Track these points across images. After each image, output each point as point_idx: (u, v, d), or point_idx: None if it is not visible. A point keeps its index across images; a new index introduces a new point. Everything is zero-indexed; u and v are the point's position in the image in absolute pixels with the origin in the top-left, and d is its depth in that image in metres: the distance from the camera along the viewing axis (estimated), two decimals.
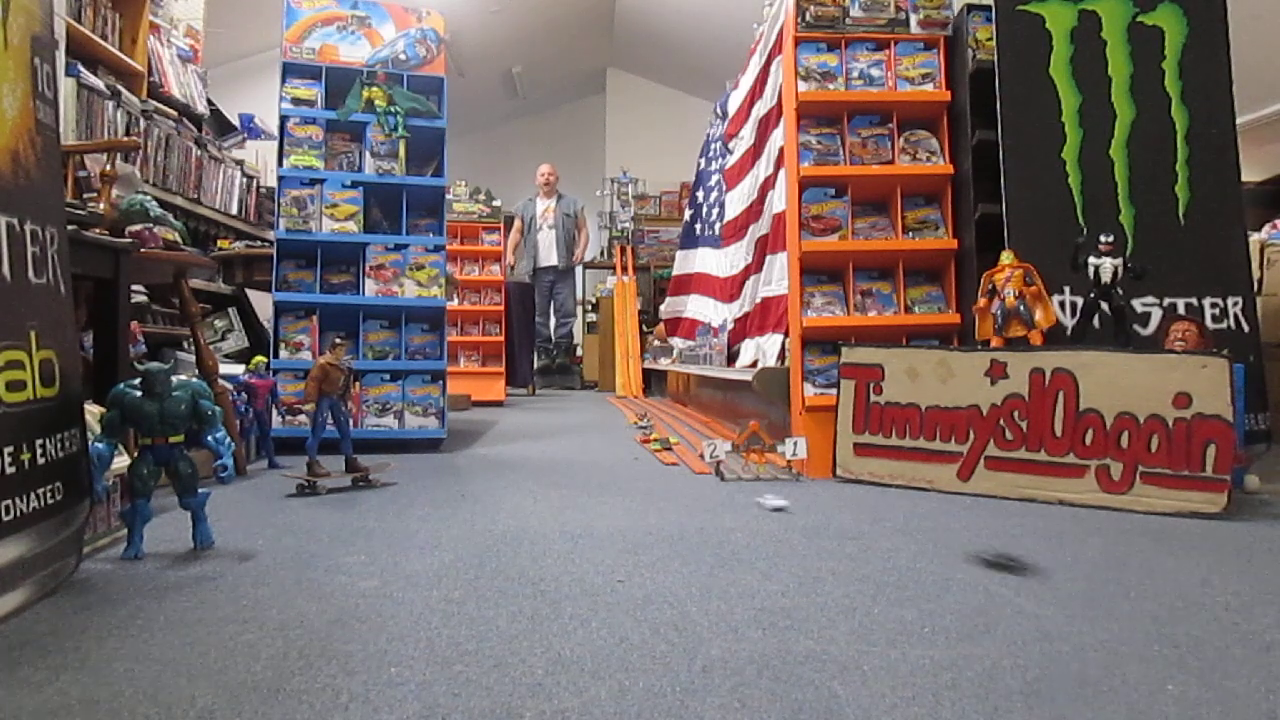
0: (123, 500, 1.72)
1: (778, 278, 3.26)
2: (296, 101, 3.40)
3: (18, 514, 1.29)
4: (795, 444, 2.57)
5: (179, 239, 2.54)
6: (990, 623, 1.27)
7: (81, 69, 3.19)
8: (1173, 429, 2.11)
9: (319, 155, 3.37)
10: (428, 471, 2.75)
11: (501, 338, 6.12)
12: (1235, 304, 2.58)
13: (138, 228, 2.34)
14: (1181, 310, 2.57)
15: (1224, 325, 2.56)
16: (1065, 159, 2.68)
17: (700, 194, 5.54)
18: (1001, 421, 2.32)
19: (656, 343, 6.06)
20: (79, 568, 1.49)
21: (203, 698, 0.98)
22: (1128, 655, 1.14)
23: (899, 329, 2.85)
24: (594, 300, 8.41)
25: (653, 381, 6.83)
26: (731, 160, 4.67)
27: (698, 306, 5.28)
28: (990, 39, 2.78)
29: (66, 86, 3.05)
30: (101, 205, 2.45)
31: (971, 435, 2.35)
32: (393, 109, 3.41)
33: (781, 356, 3.06)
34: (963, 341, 2.78)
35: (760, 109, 3.85)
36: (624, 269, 7.80)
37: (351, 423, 2.55)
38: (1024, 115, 2.70)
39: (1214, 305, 2.58)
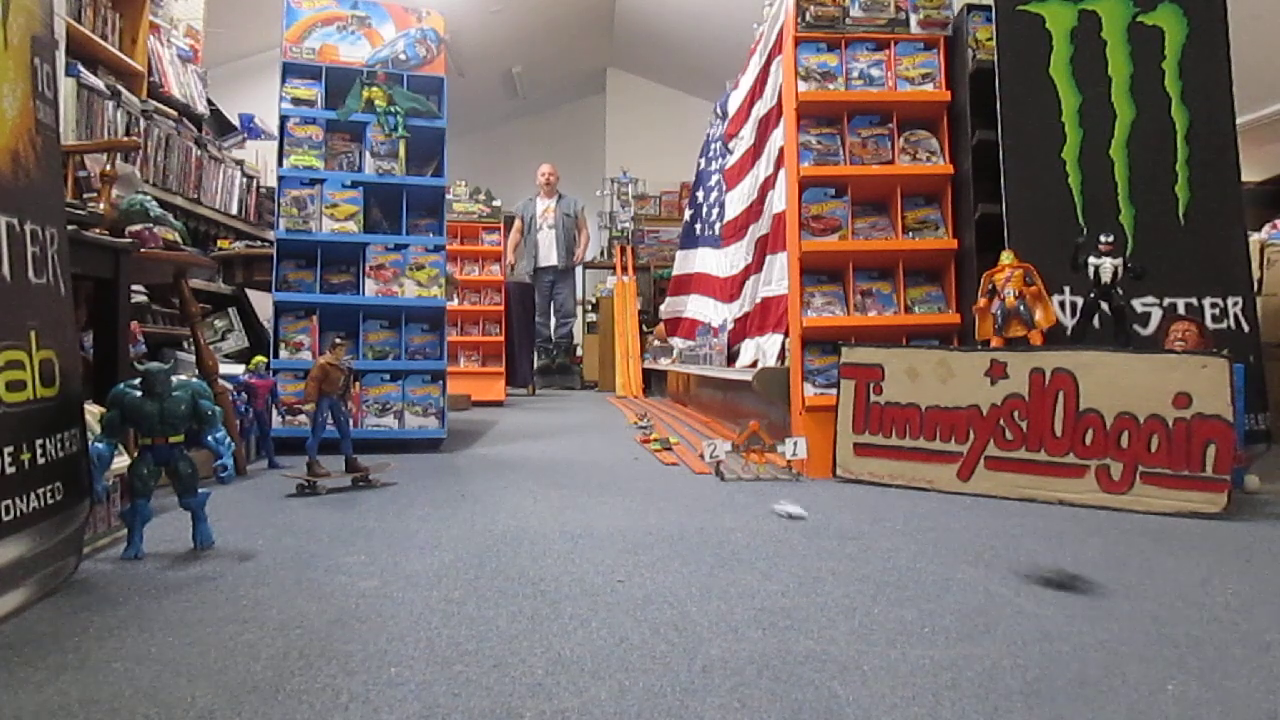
0: (123, 500, 1.72)
1: (778, 278, 3.26)
2: (296, 101, 3.40)
3: (18, 514, 1.29)
4: (795, 444, 2.57)
5: (179, 239, 2.54)
6: (990, 623, 1.27)
7: (81, 69, 3.19)
8: (1173, 429, 2.11)
9: (319, 155, 3.37)
10: (428, 471, 2.75)
11: (501, 338, 6.12)
12: (1235, 304, 2.58)
13: (138, 228, 2.34)
14: (1181, 310, 2.57)
15: (1224, 325, 2.56)
16: (1065, 159, 2.68)
17: (700, 194, 5.54)
18: (1001, 421, 2.32)
19: (656, 343, 6.06)
20: (79, 568, 1.49)
21: (203, 698, 0.98)
22: (1128, 655, 1.14)
23: (899, 329, 2.85)
24: (594, 300, 8.41)
25: (653, 381, 6.83)
26: (731, 160, 4.67)
27: (698, 306, 5.28)
28: (990, 39, 2.78)
29: (66, 86, 3.04)
30: (101, 205, 2.45)
31: (971, 435, 2.35)
32: (393, 109, 3.41)
33: (781, 356, 3.06)
34: (963, 341, 2.78)
35: (760, 109, 3.85)
36: (624, 269, 7.79)
37: (351, 423, 2.55)
38: (1024, 115, 2.70)
39: (1214, 305, 2.58)
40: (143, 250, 2.30)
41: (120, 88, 3.44)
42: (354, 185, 3.35)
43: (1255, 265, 3.56)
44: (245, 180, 4.60)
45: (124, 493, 1.73)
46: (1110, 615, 1.31)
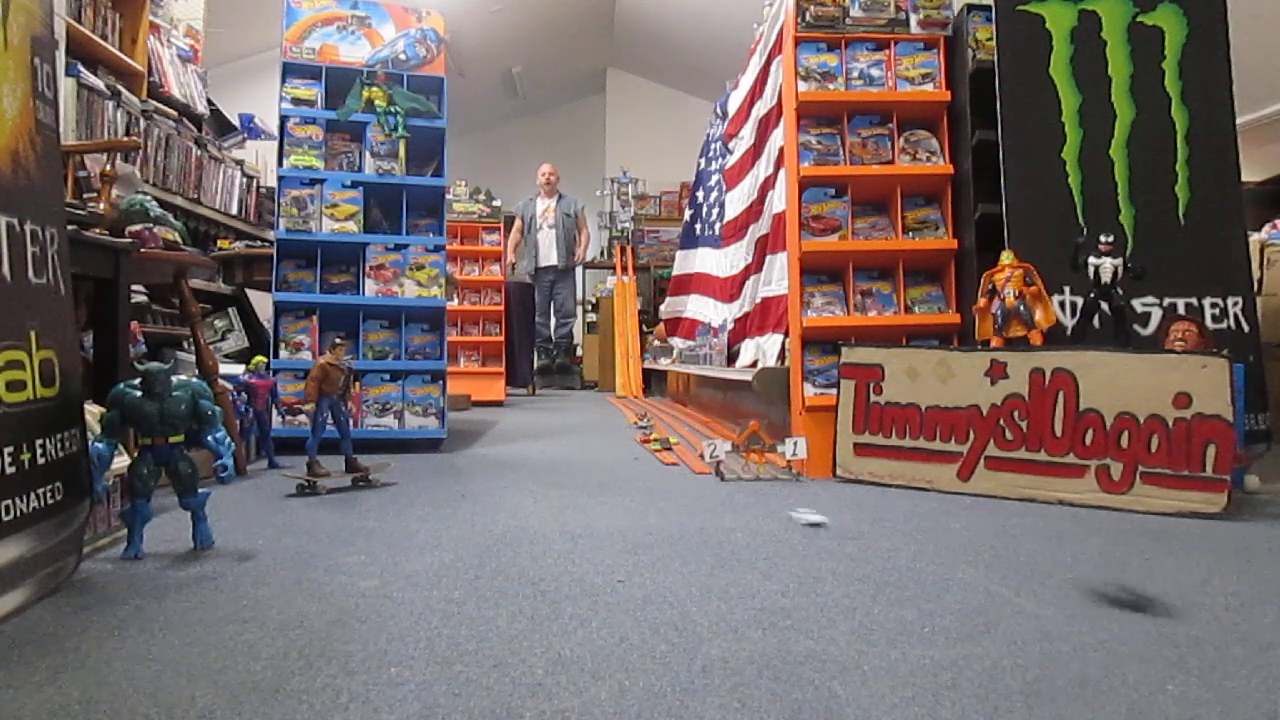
0: (123, 500, 1.72)
1: (778, 278, 3.26)
2: (296, 101, 3.40)
3: (18, 514, 1.29)
4: (795, 444, 2.57)
5: (179, 239, 2.54)
6: (990, 623, 1.27)
7: (81, 69, 3.19)
8: (1173, 429, 2.11)
9: (319, 155, 3.37)
10: (428, 471, 2.75)
11: (501, 338, 6.12)
12: (1235, 304, 2.58)
13: (138, 228, 2.34)
14: (1181, 310, 2.57)
15: (1224, 325, 2.56)
16: (1065, 159, 2.68)
17: (700, 194, 5.54)
18: (1001, 421, 2.32)
19: (656, 343, 6.06)
20: (79, 568, 1.49)
21: (203, 698, 0.98)
22: (1128, 655, 1.14)
23: (899, 329, 2.85)
24: (594, 300, 8.41)
25: (653, 381, 6.83)
26: (731, 160, 4.67)
27: (698, 306, 5.28)
28: (990, 39, 2.77)
29: (66, 86, 3.04)
30: (101, 205, 2.45)
31: (971, 435, 2.35)
32: (393, 109, 3.41)
33: (781, 356, 3.06)
34: (963, 341, 2.78)
35: (760, 109, 3.85)
36: (624, 269, 7.79)
37: (351, 423, 2.55)
38: (1024, 115, 2.70)
39: (1214, 305, 2.58)
40: (143, 250, 2.30)
41: (120, 88, 3.44)
42: (354, 185, 3.35)
43: (1255, 265, 3.56)
44: (245, 180, 4.60)
45: (124, 493, 1.73)
46: (1110, 615, 1.31)
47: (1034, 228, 2.64)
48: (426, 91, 3.51)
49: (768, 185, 3.57)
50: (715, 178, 5.14)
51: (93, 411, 1.71)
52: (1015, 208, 2.65)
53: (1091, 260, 2.48)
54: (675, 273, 6.09)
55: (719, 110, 5.17)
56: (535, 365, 7.10)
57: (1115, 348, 2.34)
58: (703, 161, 5.57)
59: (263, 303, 3.99)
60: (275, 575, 1.50)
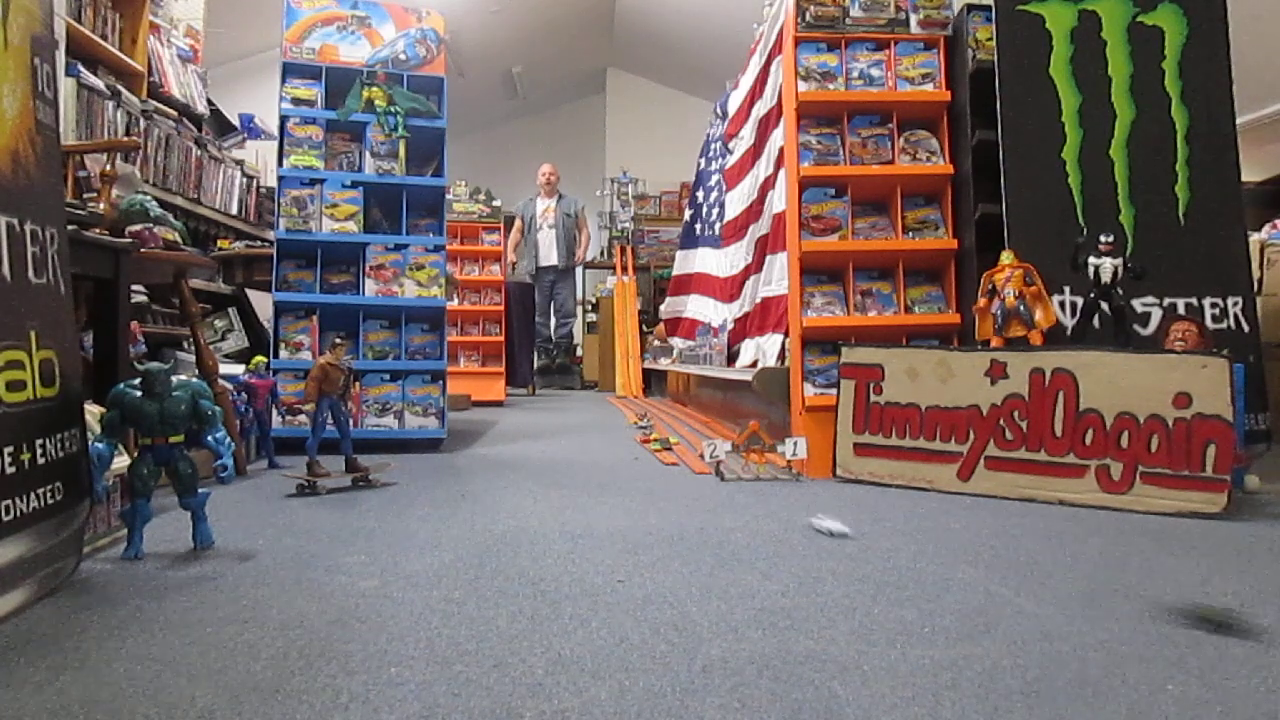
0: (123, 500, 1.72)
1: (778, 278, 3.26)
2: (296, 101, 3.40)
3: (18, 514, 1.29)
4: (795, 444, 2.57)
5: (179, 239, 2.54)
6: (990, 623, 1.27)
7: (81, 69, 3.19)
8: (1173, 429, 2.11)
9: (319, 155, 3.37)
10: (428, 471, 2.75)
11: (501, 338, 6.12)
12: (1235, 304, 2.58)
13: (138, 228, 2.34)
14: (1181, 310, 2.57)
15: (1224, 325, 2.56)
16: (1065, 159, 2.67)
17: (700, 194, 5.54)
18: (1001, 421, 2.32)
19: (656, 343, 6.06)
20: (79, 568, 1.49)
21: (203, 698, 0.98)
22: (1128, 655, 1.14)
23: (899, 329, 2.85)
24: (594, 300, 8.41)
25: (653, 381, 6.83)
26: (731, 160, 4.67)
27: (698, 306, 5.28)
28: (990, 39, 2.77)
29: (66, 86, 3.04)
30: (101, 205, 2.45)
31: (971, 435, 2.35)
32: (393, 109, 3.41)
33: (781, 356, 3.06)
34: (963, 341, 2.78)
35: (760, 109, 3.85)
36: (624, 269, 7.79)
37: (351, 423, 2.55)
38: (1024, 115, 2.70)
39: (1214, 305, 2.58)
40: (143, 250, 2.30)
41: (120, 88, 3.44)
42: (354, 185, 3.35)
43: (1255, 265, 3.56)
44: (245, 180, 4.60)
45: (124, 493, 1.73)
46: (1110, 615, 1.31)
47: (1034, 228, 2.64)
48: (426, 91, 3.51)
49: (768, 185, 3.57)
50: (715, 178, 5.14)
51: (93, 411, 1.71)
52: (1015, 208, 2.65)
53: (1091, 260, 2.48)
54: (675, 273, 6.09)
55: (719, 110, 5.17)
56: (535, 365, 7.10)
57: (1115, 348, 2.34)
58: (703, 161, 5.57)
59: (263, 303, 3.99)
60: (275, 575, 1.50)
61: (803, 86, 2.87)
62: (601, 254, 8.54)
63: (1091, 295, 2.51)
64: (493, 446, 3.47)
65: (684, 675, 1.06)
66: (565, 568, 1.57)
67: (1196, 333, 2.39)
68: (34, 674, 1.05)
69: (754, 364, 3.41)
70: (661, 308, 6.31)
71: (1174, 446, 2.11)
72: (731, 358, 4.02)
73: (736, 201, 4.48)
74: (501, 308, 6.19)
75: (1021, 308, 2.48)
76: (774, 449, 2.64)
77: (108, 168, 2.56)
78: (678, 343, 5.54)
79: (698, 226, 5.51)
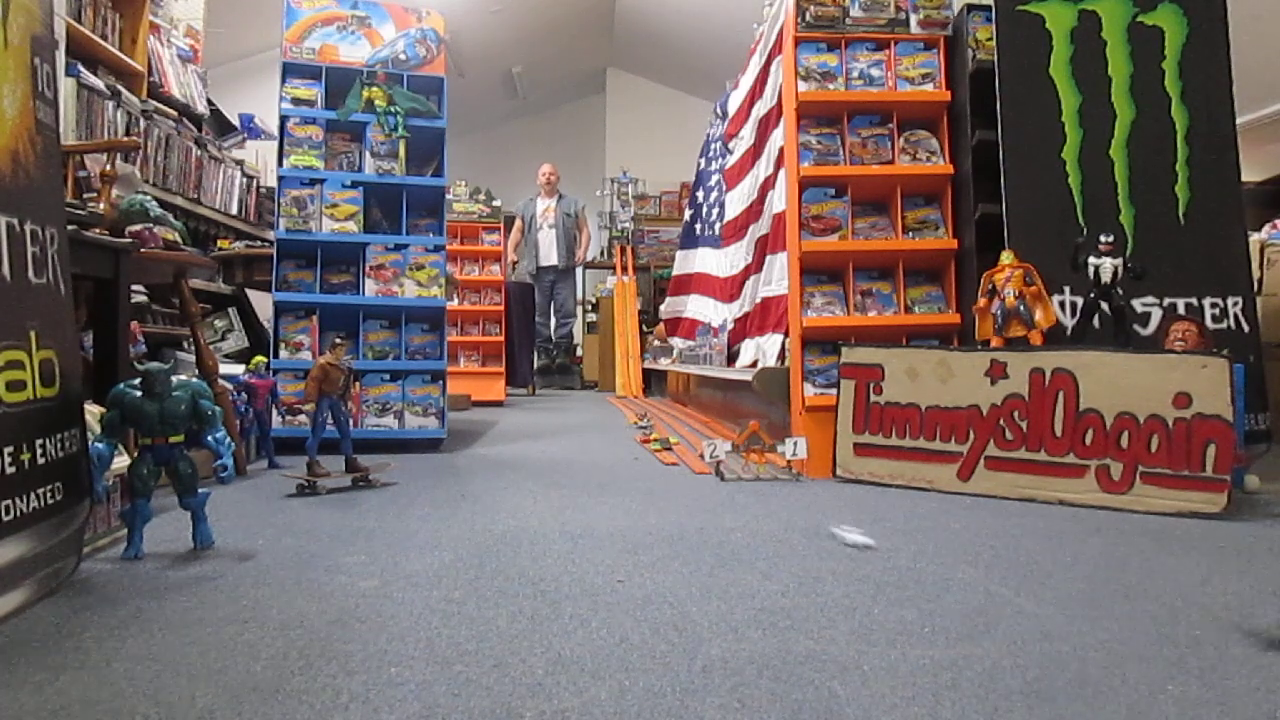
0: (123, 500, 1.72)
1: (778, 278, 3.26)
2: (296, 101, 3.40)
3: (18, 514, 1.29)
4: (795, 444, 2.57)
5: (179, 239, 2.54)
6: (990, 623, 1.27)
7: (81, 69, 3.19)
8: (1173, 429, 2.11)
9: (319, 155, 3.37)
10: (428, 471, 2.75)
11: (501, 338, 6.12)
12: (1235, 304, 2.58)
13: (138, 228, 2.34)
14: (1181, 310, 2.57)
15: (1224, 325, 2.56)
16: (1065, 159, 2.67)
17: (700, 194, 5.54)
18: (1001, 421, 2.32)
19: (656, 343, 6.06)
20: (79, 568, 1.49)
21: (203, 698, 0.98)
22: (1128, 655, 1.14)
23: (899, 329, 2.85)
24: (594, 300, 8.41)
25: (653, 381, 6.83)
26: (731, 160, 4.67)
27: (698, 306, 5.28)
28: (990, 39, 2.77)
29: (66, 86, 3.04)
30: (101, 205, 2.45)
31: (971, 435, 2.35)
32: (393, 109, 3.41)
33: (781, 356, 3.06)
34: (963, 341, 2.78)
35: (760, 109, 3.85)
36: (624, 269, 7.80)
37: (351, 423, 2.55)
38: (1024, 115, 2.70)
39: (1214, 305, 2.58)
40: (143, 250, 2.30)
41: (120, 88, 3.45)
42: (354, 185, 3.35)
43: (1255, 265, 3.56)
44: (245, 180, 4.61)
45: (124, 493, 1.73)
46: (1110, 615, 1.31)
47: (1034, 228, 2.64)
48: (426, 91, 3.51)
49: (768, 185, 3.57)
50: (715, 178, 5.14)
51: (93, 411, 1.71)
52: (1015, 208, 2.65)
53: (1091, 260, 2.48)
54: (675, 273, 6.09)
55: (719, 110, 5.17)
56: (535, 365, 7.10)
57: (1115, 348, 2.34)
58: (703, 161, 5.57)
59: (263, 303, 3.99)
60: (275, 575, 1.50)
61: (803, 86, 2.87)
62: (601, 254, 8.54)
63: (1091, 295, 2.50)
64: (493, 446, 3.47)
65: (684, 675, 1.06)
66: (565, 568, 1.57)
67: (1196, 333, 2.39)
68: (34, 674, 1.05)
69: (754, 364, 3.41)
70: (661, 308, 6.31)
71: (1174, 446, 2.11)
72: (731, 358, 4.02)
73: (736, 201, 4.48)
74: (501, 308, 6.19)
75: (1021, 308, 2.48)
76: (774, 449, 2.64)
77: (108, 168, 2.56)
78: (678, 343, 5.54)
79: (698, 226, 5.51)
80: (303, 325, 3.29)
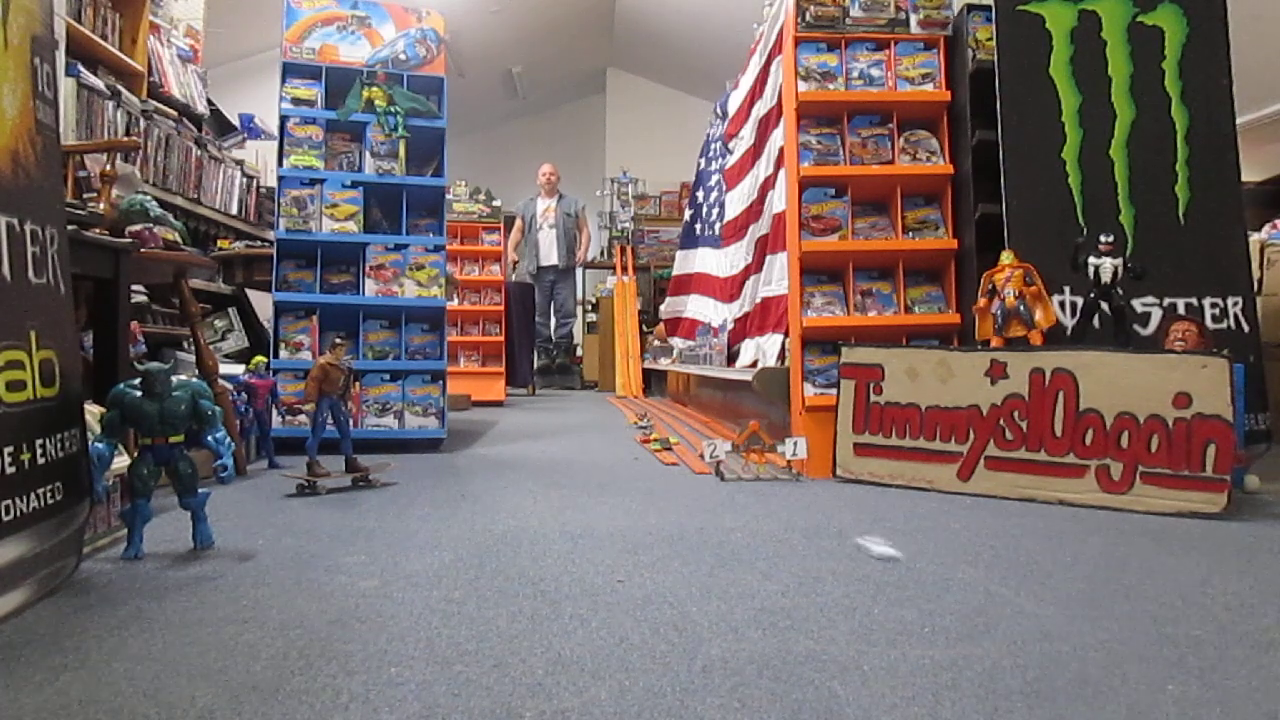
0: (123, 500, 1.72)
1: (778, 278, 3.26)
2: (296, 101, 3.40)
3: (18, 514, 1.29)
4: (795, 444, 2.57)
5: (179, 239, 2.54)
6: (990, 623, 1.27)
7: (81, 69, 3.19)
8: (1173, 429, 2.11)
9: (319, 155, 3.37)
10: (428, 471, 2.75)
11: (501, 338, 6.13)
12: (1235, 304, 2.58)
13: (138, 228, 2.34)
14: (1181, 310, 2.57)
15: (1224, 325, 2.56)
16: (1065, 159, 2.68)
17: (700, 194, 5.54)
18: (1001, 421, 2.32)
19: (656, 343, 6.06)
20: (79, 568, 1.49)
21: (203, 698, 0.98)
22: (1128, 655, 1.14)
23: (899, 329, 2.85)
24: (594, 300, 8.41)
25: (653, 381, 6.83)
26: (731, 160, 4.67)
27: (698, 306, 5.28)
28: (990, 39, 2.77)
29: (66, 86, 3.04)
30: (101, 205, 2.45)
31: (971, 435, 2.35)
32: (393, 109, 3.41)
33: (781, 356, 3.06)
34: (963, 341, 2.78)
35: (760, 109, 3.85)
36: (624, 269, 7.80)
37: (351, 423, 2.55)
38: (1024, 115, 2.70)
39: (1214, 305, 2.58)
40: (143, 250, 2.30)
41: (120, 88, 3.45)
42: (354, 185, 3.35)
43: (1255, 265, 3.56)
44: (245, 180, 4.61)
45: (124, 493, 1.73)
46: (1110, 615, 1.31)
47: (1034, 228, 2.64)
48: (426, 91, 3.51)
49: (768, 185, 3.57)
50: (715, 178, 5.14)
51: (93, 411, 1.72)
52: (1015, 208, 2.65)
53: (1091, 260, 2.48)
54: (675, 273, 6.09)
55: (719, 110, 5.17)
56: (535, 365, 7.10)
57: (1115, 348, 2.34)
58: (703, 161, 5.57)
59: (263, 303, 3.99)
60: (275, 575, 1.50)
61: (803, 86, 2.87)
62: (601, 254, 8.54)
63: (1091, 295, 2.50)
64: (493, 446, 3.47)
65: (684, 675, 1.06)
66: (565, 568, 1.57)
67: (1196, 333, 2.39)
68: (34, 674, 1.05)
69: (754, 364, 3.41)
70: (661, 308, 6.31)
71: (1174, 446, 2.11)
72: (731, 358, 4.02)
73: (736, 201, 4.48)
74: (501, 308, 6.19)
75: (1021, 308, 2.48)
76: (774, 449, 2.64)
77: (108, 168, 2.56)
78: (678, 343, 5.54)
79: (698, 226, 5.51)
80: (303, 325, 3.29)
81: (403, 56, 3.51)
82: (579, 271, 7.55)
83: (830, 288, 2.91)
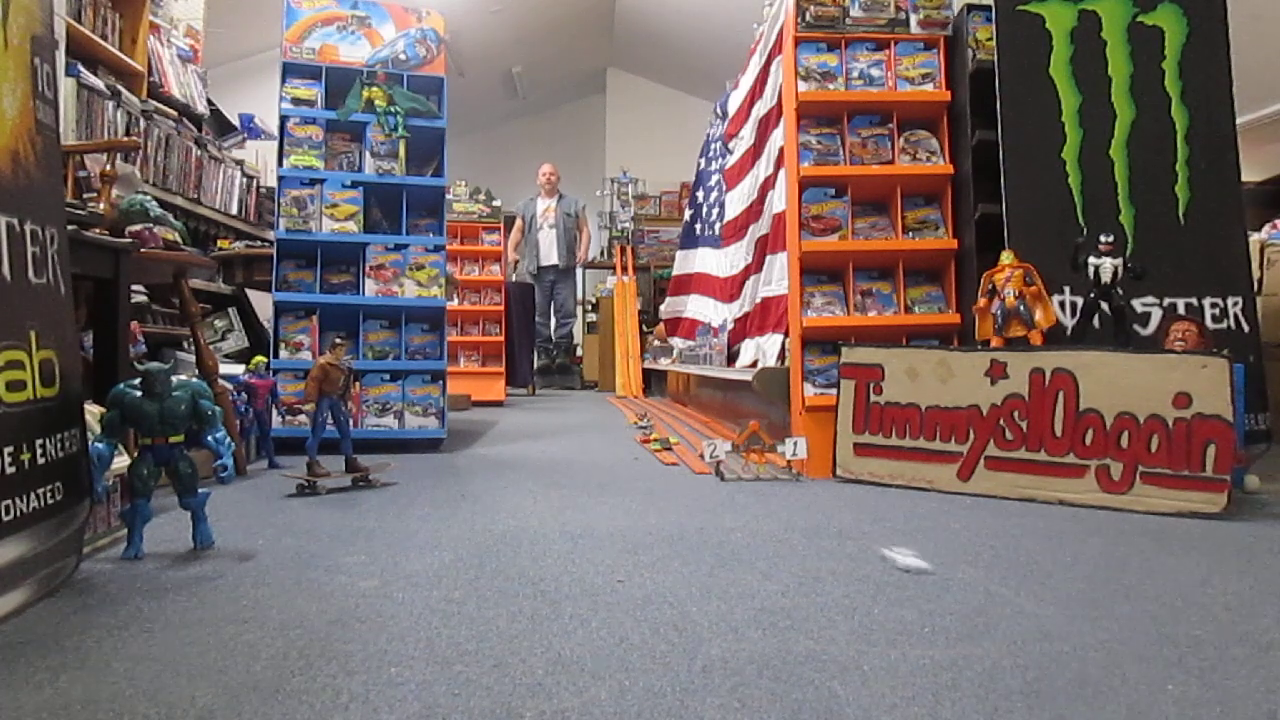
0: (123, 500, 1.72)
1: (778, 278, 3.26)
2: (296, 101, 3.40)
3: (18, 514, 1.29)
4: (795, 444, 2.57)
5: (179, 239, 2.54)
6: (990, 623, 1.27)
7: (81, 69, 3.19)
8: (1173, 429, 2.11)
9: (319, 155, 3.37)
10: (428, 471, 2.75)
11: (501, 338, 6.13)
12: (1235, 304, 2.58)
13: (138, 228, 2.34)
14: (1181, 310, 2.57)
15: (1224, 325, 2.56)
16: (1065, 159, 2.67)
17: (700, 194, 5.54)
18: (1001, 421, 2.32)
19: (656, 343, 6.06)
20: (79, 568, 1.49)
21: (203, 698, 0.98)
22: (1128, 655, 1.14)
23: (899, 329, 2.85)
24: (594, 300, 8.41)
25: (653, 381, 6.83)
26: (731, 160, 4.67)
27: (698, 306, 5.28)
28: (990, 39, 2.77)
29: (66, 86, 3.04)
30: (101, 205, 2.45)
31: (971, 435, 2.35)
32: (393, 109, 3.41)
33: (781, 356, 3.06)
34: (963, 341, 2.78)
35: (760, 109, 3.85)
36: (624, 269, 7.80)
37: (351, 423, 2.55)
38: (1024, 115, 2.70)
39: (1214, 305, 2.58)
40: (143, 250, 2.30)
41: (120, 88, 3.44)
42: (354, 185, 3.35)
43: (1255, 265, 3.56)
44: (245, 180, 4.60)
45: (124, 493, 1.73)
46: (1110, 615, 1.31)
47: (1034, 228, 2.64)
48: (426, 91, 3.51)
49: (768, 185, 3.57)
50: (715, 178, 5.14)
51: (93, 411, 1.72)
52: (1015, 208, 2.65)
53: (1091, 260, 2.48)
54: (675, 273, 6.09)
55: (719, 110, 5.17)
56: (535, 365, 7.10)
57: (1115, 348, 2.34)
58: (703, 161, 5.57)
59: (263, 303, 3.99)
60: (275, 575, 1.50)
61: (803, 86, 2.87)
62: (601, 254, 8.54)
63: (1091, 295, 2.50)
64: (493, 446, 3.47)
65: (684, 675, 1.06)
66: (565, 568, 1.57)
67: (1196, 333, 2.39)
68: (34, 674, 1.05)
69: (754, 364, 3.41)
70: (661, 308, 6.31)
71: (1174, 446, 2.11)
72: (731, 358, 4.02)
73: (736, 201, 4.48)
74: (501, 308, 6.19)
75: (1021, 308, 2.48)
76: (774, 449, 2.64)
77: (108, 168, 2.56)
78: (678, 343, 5.54)
79: (698, 226, 5.51)
80: (303, 325, 3.29)
81: (403, 56, 3.51)
82: (579, 271, 7.55)
83: (830, 288, 2.91)
